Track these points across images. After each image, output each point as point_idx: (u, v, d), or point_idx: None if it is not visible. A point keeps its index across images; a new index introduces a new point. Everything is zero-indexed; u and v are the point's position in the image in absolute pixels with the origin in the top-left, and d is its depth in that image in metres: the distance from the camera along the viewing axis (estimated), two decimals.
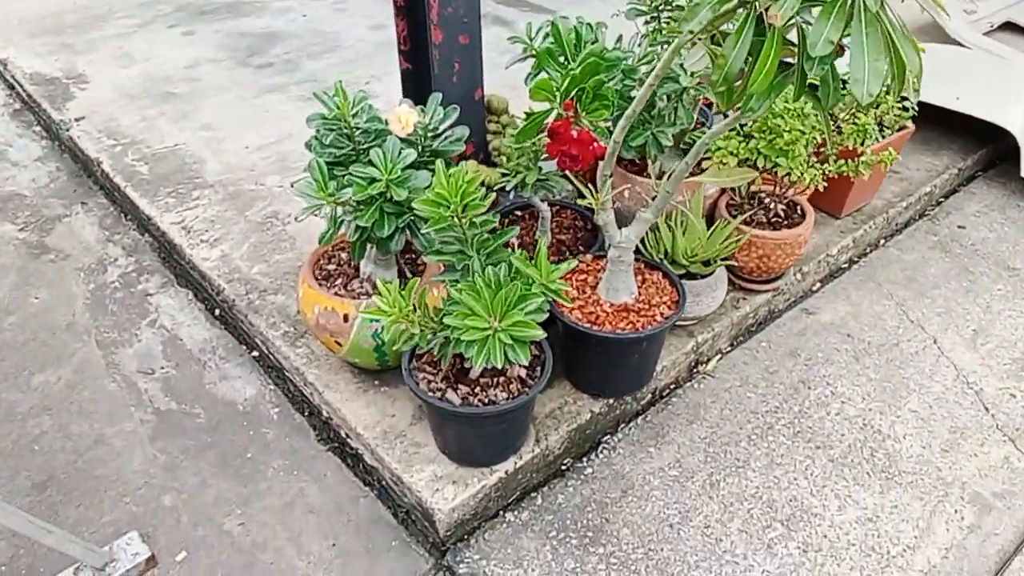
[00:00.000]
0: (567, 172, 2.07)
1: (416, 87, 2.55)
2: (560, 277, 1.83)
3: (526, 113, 2.18)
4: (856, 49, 1.44)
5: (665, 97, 2.39)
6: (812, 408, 2.39)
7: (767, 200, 2.53)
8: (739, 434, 2.31)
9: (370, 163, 1.95)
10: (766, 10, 1.52)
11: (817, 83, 1.58)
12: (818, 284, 2.85)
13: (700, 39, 1.73)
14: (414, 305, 1.83)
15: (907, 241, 3.06)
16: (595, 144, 2.01)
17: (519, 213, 2.59)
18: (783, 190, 2.49)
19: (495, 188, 2.46)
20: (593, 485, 2.18)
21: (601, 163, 2.03)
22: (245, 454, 2.29)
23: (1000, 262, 2.95)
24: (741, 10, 1.56)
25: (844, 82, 1.47)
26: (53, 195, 3.41)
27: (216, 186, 3.20)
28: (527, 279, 1.82)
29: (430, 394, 1.94)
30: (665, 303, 2.18)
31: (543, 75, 2.49)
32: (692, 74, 2.27)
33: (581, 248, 2.46)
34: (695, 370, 2.51)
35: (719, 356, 2.56)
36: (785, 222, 2.54)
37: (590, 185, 2.06)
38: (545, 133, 2.05)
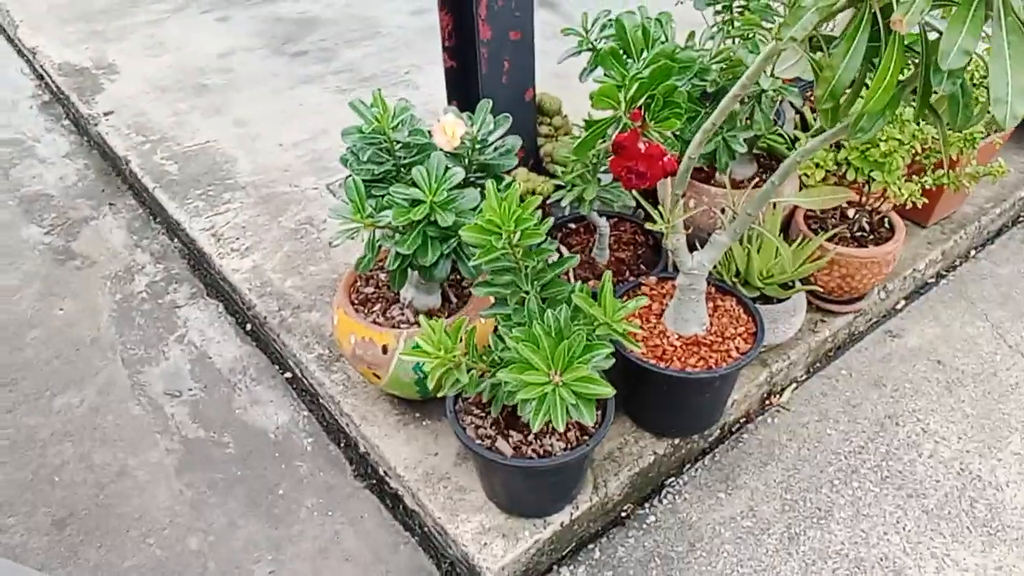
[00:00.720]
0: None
1: (462, 86, 2.32)
2: (628, 316, 1.60)
3: (585, 122, 1.94)
4: (997, 61, 1.19)
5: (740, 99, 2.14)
6: (901, 449, 2.14)
7: (851, 213, 2.27)
8: (820, 478, 2.07)
9: (412, 182, 1.73)
10: (880, 10, 1.27)
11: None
12: (903, 302, 2.57)
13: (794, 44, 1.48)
14: (461, 344, 1.62)
15: (1001, 252, 2.77)
16: (665, 159, 1.77)
17: (572, 226, 2.36)
18: (870, 202, 2.22)
19: (547, 200, 2.24)
20: (657, 536, 1.96)
21: (671, 179, 1.80)
22: (277, 490, 2.11)
23: None
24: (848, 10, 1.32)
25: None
26: (81, 195, 3.26)
27: (248, 188, 3.01)
28: (589, 318, 1.60)
29: (478, 442, 1.73)
30: (740, 335, 1.94)
31: (605, 78, 2.25)
32: (774, 75, 2.01)
33: (643, 267, 2.22)
34: (768, 402, 2.27)
35: (794, 386, 2.31)
36: (871, 237, 2.28)
37: (659, 205, 1.82)
38: (607, 144, 1.82)
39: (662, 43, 1.92)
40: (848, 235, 2.25)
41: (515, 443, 1.73)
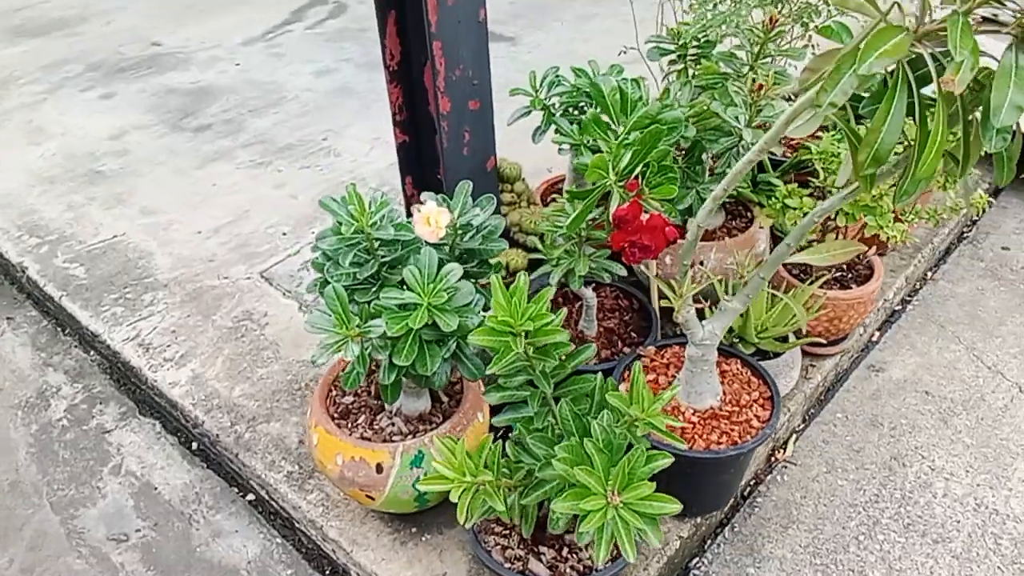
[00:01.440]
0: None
1: (416, 161, 2.15)
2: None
3: (570, 194, 1.81)
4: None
5: (712, 154, 2.06)
6: (915, 491, 2.08)
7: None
8: (844, 536, 1.98)
9: (402, 284, 1.55)
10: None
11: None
12: (876, 334, 2.55)
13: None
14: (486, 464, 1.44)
15: (955, 271, 2.80)
16: (667, 228, 1.66)
17: (553, 299, 2.21)
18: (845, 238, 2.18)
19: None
20: None
21: (678, 246, 1.68)
22: None
23: None
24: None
25: None
26: None
27: (171, 285, 2.72)
28: (622, 416, 1.45)
29: (508, 566, 1.55)
30: (756, 401, 1.84)
31: (559, 137, 2.13)
32: (753, 126, 1.94)
33: (633, 335, 2.09)
34: (773, 458, 2.18)
35: (795, 437, 2.23)
36: (850, 276, 2.24)
37: (671, 280, 1.69)
38: (593, 216, 1.70)
39: (643, 103, 1.81)
40: (830, 277, 2.20)
41: (549, 561, 1.56)
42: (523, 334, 1.42)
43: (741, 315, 2.03)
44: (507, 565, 1.54)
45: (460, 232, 1.68)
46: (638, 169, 1.63)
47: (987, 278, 2.75)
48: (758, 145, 1.43)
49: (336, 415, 1.82)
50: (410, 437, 1.75)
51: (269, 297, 2.64)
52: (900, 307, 2.66)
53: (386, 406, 1.81)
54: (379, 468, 1.70)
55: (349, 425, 1.79)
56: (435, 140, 2.06)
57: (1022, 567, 1.90)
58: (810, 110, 1.47)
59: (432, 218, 1.60)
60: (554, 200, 2.58)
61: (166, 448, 2.32)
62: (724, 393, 1.84)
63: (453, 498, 1.39)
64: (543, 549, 1.57)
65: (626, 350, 2.03)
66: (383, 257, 1.59)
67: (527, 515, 1.50)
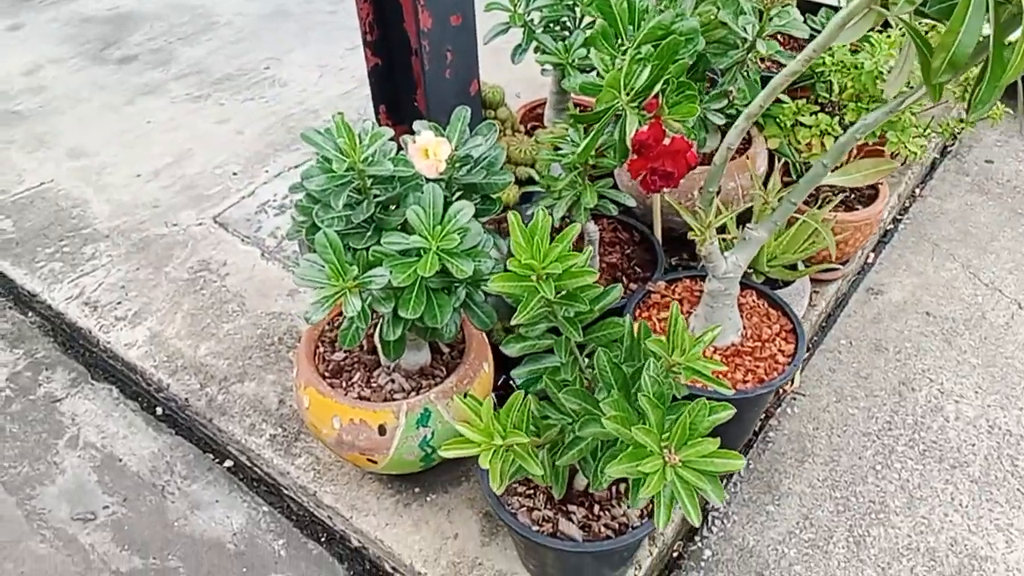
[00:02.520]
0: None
1: (389, 87, 1.93)
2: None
3: (574, 118, 1.63)
4: None
5: (720, 67, 1.89)
6: (927, 416, 2.03)
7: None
8: (861, 466, 1.92)
9: (404, 226, 1.36)
10: None
11: None
12: (871, 255, 2.47)
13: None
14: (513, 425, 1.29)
15: (942, 186, 2.73)
16: (689, 152, 1.50)
17: None
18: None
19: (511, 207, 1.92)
20: (719, 573, 1.73)
21: (705, 172, 1.53)
22: None
23: None
24: None
25: None
26: None
27: (114, 236, 2.46)
28: (659, 360, 1.31)
29: (536, 528, 1.42)
30: (778, 335, 1.73)
31: (545, 57, 1.93)
32: (764, 36, 1.78)
33: (638, 269, 1.95)
34: (781, 390, 2.09)
35: (801, 367, 2.15)
36: (852, 196, 2.13)
37: (696, 209, 1.55)
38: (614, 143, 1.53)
39: (654, 13, 1.62)
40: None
41: (580, 520, 1.43)
42: (549, 278, 1.26)
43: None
44: (536, 528, 1.42)
45: (459, 165, 1.49)
46: (657, 87, 1.46)
47: (974, 193, 2.69)
48: (805, 53, 1.28)
49: (328, 373, 1.64)
50: (413, 394, 1.59)
51: (226, 244, 2.40)
52: (892, 226, 2.58)
53: (383, 361, 1.64)
54: (382, 430, 1.54)
55: (344, 384, 1.62)
56: (411, 62, 1.84)
57: None
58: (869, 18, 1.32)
59: (431, 150, 1.40)
60: (536, 128, 2.39)
61: (127, 415, 2.11)
62: (744, 328, 1.72)
63: (484, 463, 1.24)
64: (572, 508, 1.45)
65: (632, 286, 1.89)
66: (378, 197, 1.40)
67: (558, 476, 1.36)
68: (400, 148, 1.45)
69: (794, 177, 2.11)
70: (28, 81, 3.25)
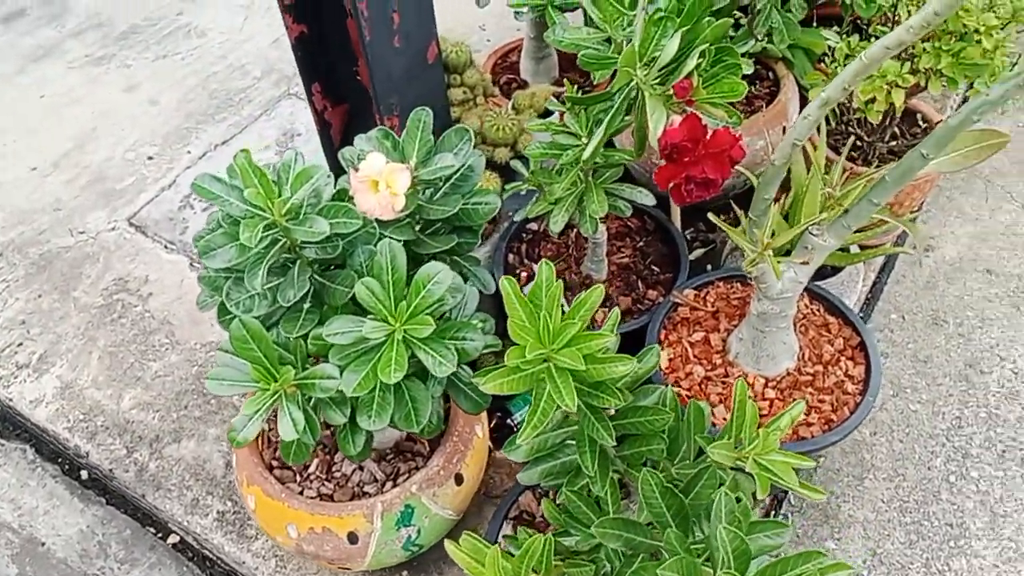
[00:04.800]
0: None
1: (322, 60, 1.48)
2: (785, 434, 0.97)
3: (571, 100, 1.22)
4: None
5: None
6: (1001, 405, 1.71)
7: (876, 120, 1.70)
8: (932, 479, 1.61)
9: (353, 304, 0.97)
10: None
11: None
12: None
13: None
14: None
15: None
16: (735, 147, 1.11)
17: (533, 227, 1.65)
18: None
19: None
20: None
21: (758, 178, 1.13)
22: None
23: None
24: None
25: None
26: None
27: (8, 253, 2.02)
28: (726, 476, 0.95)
29: None
30: (842, 352, 1.37)
31: (558, 4, 1.51)
32: None
33: (655, 269, 1.57)
34: None
35: None
36: (904, 142, 1.74)
37: (744, 217, 1.16)
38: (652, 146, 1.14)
39: None
40: (886, 151, 1.70)
41: None
42: (563, 373, 0.89)
43: (786, 220, 1.52)
44: None
45: (424, 190, 1.09)
46: (690, 61, 1.04)
47: None
48: (923, 15, 0.87)
49: (276, 462, 1.27)
50: (389, 484, 1.23)
51: (146, 253, 1.98)
52: None
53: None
54: (352, 537, 1.19)
55: (298, 477, 1.25)
56: (346, 27, 1.39)
57: None
58: None
59: (383, 181, 1.00)
60: (512, 84, 1.94)
61: (46, 482, 1.74)
62: (800, 348, 1.37)
63: None
64: None
65: (652, 294, 1.51)
66: (314, 257, 0.99)
67: None
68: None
69: (844, 140, 1.70)
70: None
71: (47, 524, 1.68)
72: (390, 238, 0.95)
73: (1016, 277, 1.92)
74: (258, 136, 2.23)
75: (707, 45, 1.06)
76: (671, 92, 1.08)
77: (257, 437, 1.30)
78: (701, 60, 1.07)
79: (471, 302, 1.04)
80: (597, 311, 1.25)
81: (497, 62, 1.95)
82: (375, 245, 0.98)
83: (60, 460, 1.77)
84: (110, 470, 1.62)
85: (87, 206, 2.11)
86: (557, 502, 1.05)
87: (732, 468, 0.98)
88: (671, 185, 1.10)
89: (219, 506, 1.54)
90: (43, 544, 1.65)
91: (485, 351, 1.01)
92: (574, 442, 1.03)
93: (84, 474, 1.74)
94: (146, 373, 1.75)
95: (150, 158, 2.22)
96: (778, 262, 1.20)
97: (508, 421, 1.53)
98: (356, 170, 1.01)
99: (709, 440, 0.97)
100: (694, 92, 1.08)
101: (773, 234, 1.12)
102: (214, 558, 1.57)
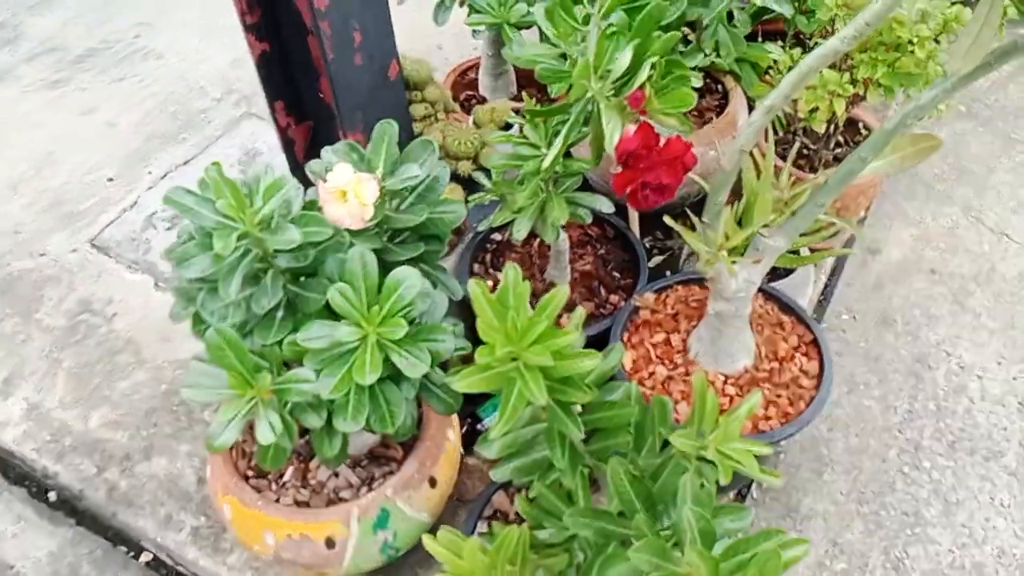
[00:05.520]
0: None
1: (285, 79, 1.51)
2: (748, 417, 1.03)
3: (528, 113, 1.27)
4: None
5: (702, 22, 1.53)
6: (949, 398, 1.79)
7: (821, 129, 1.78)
8: (887, 471, 1.68)
9: (327, 311, 1.00)
10: None
11: None
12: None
13: None
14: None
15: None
16: (687, 155, 1.17)
17: (497, 238, 1.69)
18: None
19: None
20: None
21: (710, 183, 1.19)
22: None
23: None
24: None
25: None
26: None
27: None
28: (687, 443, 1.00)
29: None
30: (797, 349, 1.44)
31: (478, 19, 1.56)
32: None
33: (616, 275, 1.62)
34: None
35: None
36: (849, 151, 1.82)
37: (698, 221, 1.21)
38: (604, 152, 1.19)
39: None
40: (831, 158, 1.78)
41: None
42: (533, 371, 0.93)
43: (739, 225, 1.58)
44: None
45: (390, 200, 1.12)
46: (643, 72, 1.10)
47: (962, 119, 2.41)
48: (856, 24, 0.93)
49: (251, 471, 1.29)
50: (365, 489, 1.26)
51: (109, 274, 1.98)
52: None
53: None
54: (330, 543, 1.21)
55: (273, 485, 1.27)
56: (308, 44, 1.43)
57: None
58: None
59: (351, 191, 1.03)
60: (471, 100, 2.00)
61: (13, 506, 1.72)
62: (757, 345, 1.42)
63: None
64: None
65: (613, 298, 1.56)
66: (286, 267, 1.02)
67: None
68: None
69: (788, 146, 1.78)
70: None
71: (16, 547, 1.66)
72: (361, 245, 0.99)
73: (959, 276, 2.02)
74: (220, 156, 2.24)
75: (657, 58, 1.12)
76: (625, 103, 1.13)
77: (232, 449, 1.31)
78: (652, 72, 1.12)
79: (440, 308, 1.07)
80: (561, 316, 1.30)
81: (456, 79, 2.00)
82: (345, 253, 1.02)
83: (27, 482, 1.75)
84: (80, 490, 1.61)
85: (48, 229, 2.10)
86: (530, 497, 1.08)
87: (697, 459, 1.02)
88: (628, 190, 1.16)
89: (192, 521, 1.54)
90: (12, 567, 1.64)
91: (456, 353, 1.05)
92: (544, 439, 1.07)
93: (52, 495, 1.73)
94: (113, 392, 1.75)
95: (110, 180, 2.22)
96: (732, 262, 1.26)
97: (478, 427, 1.57)
98: (324, 181, 1.04)
99: (673, 430, 1.01)
100: (647, 103, 1.14)
101: (727, 237, 1.18)
102: (188, 574, 1.57)
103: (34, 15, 2.87)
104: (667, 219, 1.27)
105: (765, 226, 1.27)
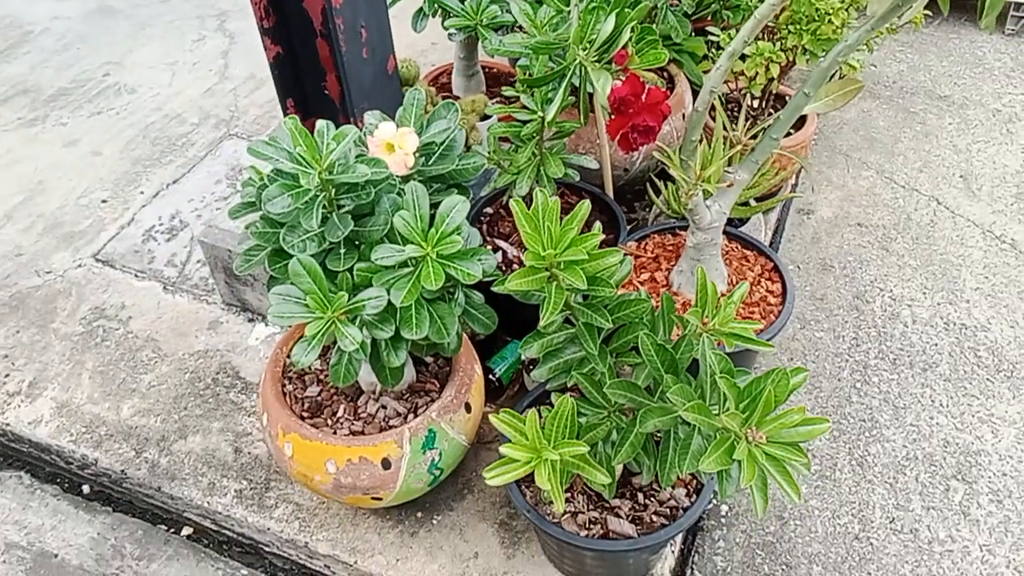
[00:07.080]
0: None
1: (295, 77, 1.70)
2: (738, 309, 1.25)
3: (524, 82, 1.49)
4: None
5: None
6: (887, 324, 2.06)
7: (748, 100, 2.06)
8: (843, 388, 1.93)
9: (387, 236, 1.19)
10: None
11: None
12: (792, 176, 2.48)
13: None
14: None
15: None
16: (664, 103, 1.41)
17: (489, 211, 1.89)
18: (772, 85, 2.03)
19: None
20: (737, 536, 1.69)
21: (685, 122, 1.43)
22: None
23: (930, 94, 2.77)
24: None
25: None
26: None
27: None
28: (689, 328, 1.21)
29: (585, 534, 1.31)
30: (762, 276, 1.68)
31: (455, 21, 1.78)
32: None
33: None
34: None
35: None
36: None
37: (678, 158, 1.44)
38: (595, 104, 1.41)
39: None
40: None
41: (628, 514, 1.33)
42: (570, 266, 1.13)
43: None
44: (584, 534, 1.30)
45: (421, 154, 1.32)
46: (626, 35, 1.34)
47: (867, 99, 2.76)
48: None
49: (306, 414, 1.44)
50: (411, 416, 1.43)
51: (118, 284, 2.10)
52: None
53: (365, 387, 1.46)
54: (386, 463, 1.37)
55: (329, 422, 1.43)
56: (316, 46, 1.62)
57: (1007, 375, 1.94)
58: None
59: (396, 143, 1.23)
60: (447, 99, 2.21)
61: (48, 501, 1.81)
62: (728, 275, 1.66)
63: (542, 483, 1.10)
64: (615, 502, 1.34)
65: None
66: (346, 207, 1.21)
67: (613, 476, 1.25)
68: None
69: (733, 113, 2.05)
70: None
71: (56, 537, 1.75)
72: (413, 181, 1.18)
73: (881, 227, 2.32)
74: (207, 172, 2.39)
75: (636, 22, 1.36)
76: (611, 62, 1.37)
77: (283, 395, 1.46)
78: (631, 35, 1.36)
79: (475, 238, 1.27)
80: None
81: (431, 82, 2.21)
82: (397, 194, 1.21)
83: (59, 480, 1.85)
84: (122, 471, 1.72)
85: (49, 249, 2.21)
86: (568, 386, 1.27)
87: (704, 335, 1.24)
88: (620, 134, 1.38)
89: (235, 485, 1.67)
90: (56, 556, 1.72)
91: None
92: (574, 344, 1.27)
93: (86, 488, 1.83)
94: (140, 384, 1.87)
95: (104, 201, 2.34)
96: (708, 194, 1.50)
97: (490, 376, 1.75)
98: (372, 136, 1.24)
99: (681, 319, 1.23)
100: (630, 60, 1.37)
101: (703, 167, 1.42)
102: (232, 535, 1.70)
103: (1, 61, 2.97)
104: (656, 154, 1.50)
105: (731, 163, 1.51)
